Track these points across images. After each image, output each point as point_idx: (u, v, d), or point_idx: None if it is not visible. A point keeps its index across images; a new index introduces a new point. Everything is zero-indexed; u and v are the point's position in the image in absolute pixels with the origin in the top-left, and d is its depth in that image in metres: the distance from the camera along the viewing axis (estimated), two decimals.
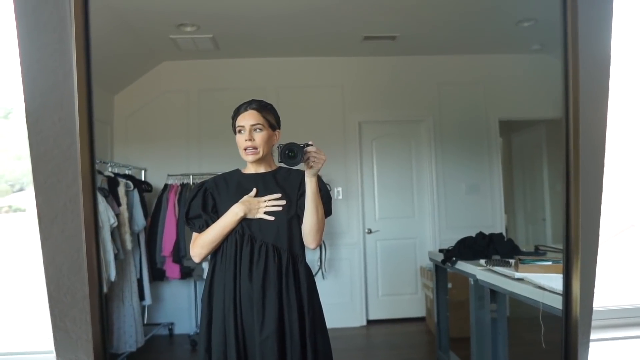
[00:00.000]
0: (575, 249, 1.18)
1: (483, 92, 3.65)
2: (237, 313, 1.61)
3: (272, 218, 1.63)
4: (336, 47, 3.33)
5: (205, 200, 1.68)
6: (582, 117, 1.15)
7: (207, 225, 1.65)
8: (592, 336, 1.32)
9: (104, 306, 1.01)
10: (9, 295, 2.48)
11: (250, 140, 1.64)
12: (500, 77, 3.51)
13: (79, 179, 1.00)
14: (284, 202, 1.65)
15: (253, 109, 1.68)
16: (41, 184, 1.03)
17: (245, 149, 1.65)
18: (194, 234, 1.69)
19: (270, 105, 1.72)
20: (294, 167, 1.63)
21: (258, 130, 1.66)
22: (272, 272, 1.61)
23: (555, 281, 1.61)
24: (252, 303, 1.60)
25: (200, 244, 1.65)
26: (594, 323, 1.36)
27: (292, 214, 1.65)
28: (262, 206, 1.64)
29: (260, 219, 1.64)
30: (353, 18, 2.91)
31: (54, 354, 1.19)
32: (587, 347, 1.31)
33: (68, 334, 1.09)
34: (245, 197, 1.65)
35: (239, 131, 1.66)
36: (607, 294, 1.86)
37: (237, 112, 1.69)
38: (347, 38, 3.18)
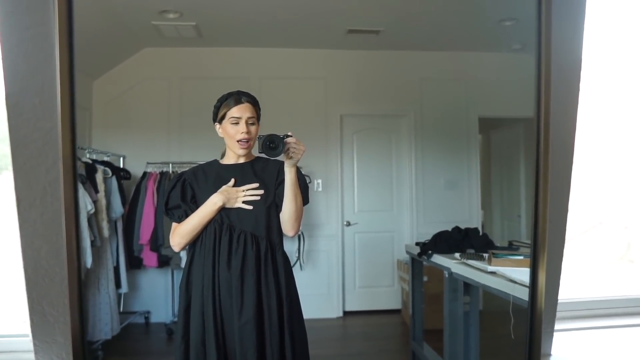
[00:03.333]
0: (542, 242, 1.23)
1: (464, 89, 3.71)
2: (215, 300, 1.62)
3: (250, 207, 1.65)
4: (320, 40, 3.34)
5: (184, 190, 1.69)
6: (552, 116, 1.19)
7: (187, 216, 1.66)
8: (557, 326, 1.38)
9: (82, 290, 1.02)
10: None
11: (247, 132, 1.66)
12: (481, 74, 3.56)
13: (60, 163, 0.99)
14: (262, 191, 1.67)
15: (247, 101, 1.69)
16: (20, 167, 1.03)
17: (239, 141, 1.66)
18: (174, 224, 1.70)
19: (257, 99, 1.74)
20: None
21: (252, 123, 1.68)
22: (250, 260, 1.63)
23: (525, 275, 1.65)
24: (230, 290, 1.62)
25: (180, 234, 1.66)
26: (560, 314, 1.42)
27: (270, 203, 1.67)
28: (241, 196, 1.66)
29: (239, 208, 1.65)
30: (337, 11, 2.92)
31: (29, 338, 1.18)
32: (551, 336, 1.36)
33: (45, 317, 1.09)
34: (224, 187, 1.66)
35: (234, 122, 1.66)
36: (575, 287, 1.92)
37: (226, 102, 1.68)
38: (331, 31, 3.19)
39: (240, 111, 1.67)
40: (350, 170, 3.62)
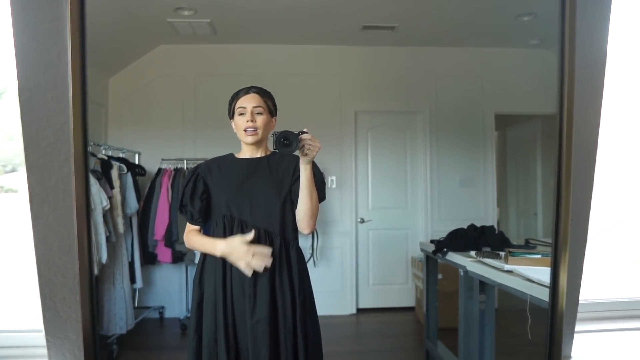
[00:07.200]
0: (564, 242, 1.20)
1: (480, 86, 3.65)
2: (227, 297, 1.61)
3: (250, 274, 1.57)
4: (334, 36, 3.31)
5: (194, 188, 1.68)
6: (576, 113, 1.16)
7: (192, 218, 1.67)
8: (578, 328, 1.34)
9: (94, 286, 1.02)
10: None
11: (252, 121, 1.65)
12: (497, 71, 3.51)
13: (71, 159, 0.99)
14: (271, 259, 1.59)
15: (254, 92, 1.68)
16: (33, 163, 1.03)
17: (245, 130, 1.65)
18: (188, 223, 1.71)
19: (269, 92, 1.73)
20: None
21: (259, 113, 1.67)
22: None
23: (543, 274, 1.62)
24: (243, 288, 1.60)
25: (188, 242, 1.69)
26: (580, 315, 1.38)
27: (285, 198, 1.65)
28: (248, 259, 1.57)
29: (252, 202, 1.63)
30: (352, 7, 2.89)
31: (43, 333, 1.19)
32: (572, 337, 1.33)
33: (57, 313, 1.09)
34: (237, 239, 1.59)
35: (240, 113, 1.66)
36: (594, 287, 1.88)
37: (236, 96, 1.70)
38: (346, 27, 3.16)
39: (247, 101, 1.67)
40: (365, 167, 3.59)
